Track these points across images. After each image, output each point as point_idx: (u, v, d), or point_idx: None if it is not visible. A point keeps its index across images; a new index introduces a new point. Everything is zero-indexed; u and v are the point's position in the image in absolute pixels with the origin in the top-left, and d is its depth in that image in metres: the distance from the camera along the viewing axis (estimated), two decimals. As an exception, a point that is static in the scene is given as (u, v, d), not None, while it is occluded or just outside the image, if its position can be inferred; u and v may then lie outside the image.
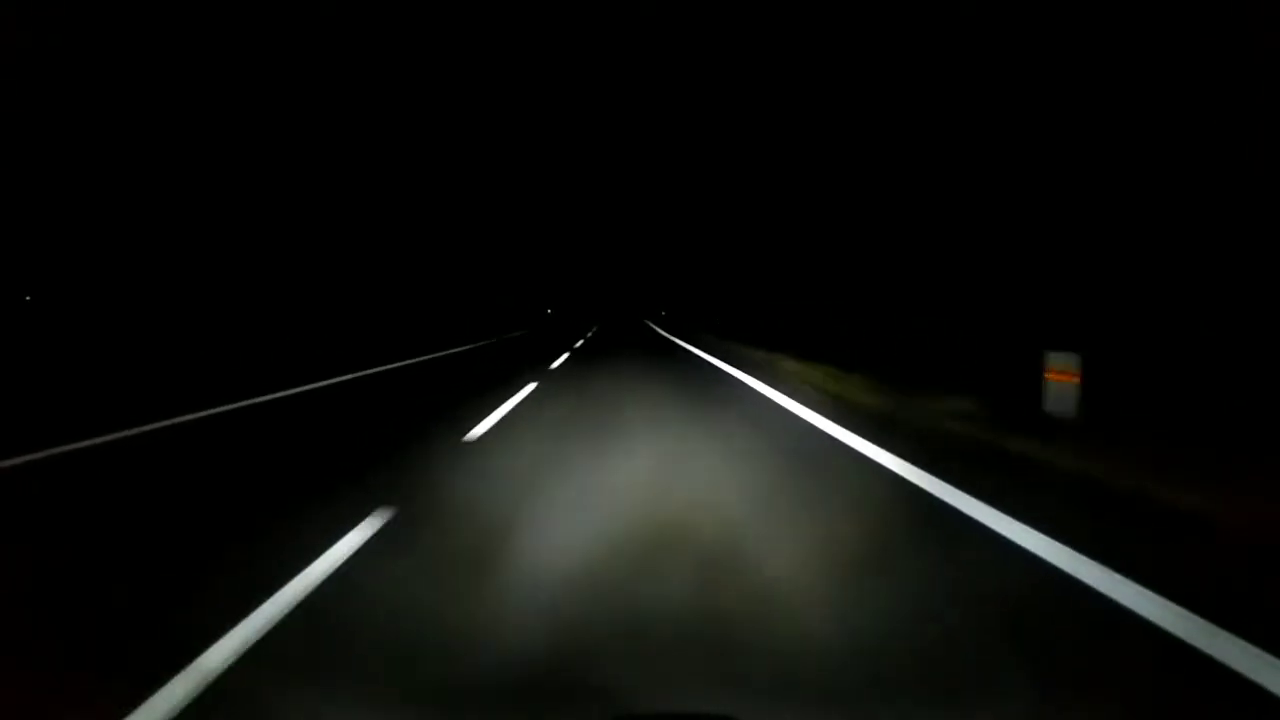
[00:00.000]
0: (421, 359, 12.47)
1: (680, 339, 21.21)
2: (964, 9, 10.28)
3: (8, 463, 4.17)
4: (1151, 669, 1.91)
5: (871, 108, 14.13)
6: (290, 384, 7.99)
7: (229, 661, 1.88)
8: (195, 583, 2.45)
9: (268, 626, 2.08)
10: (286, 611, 2.18)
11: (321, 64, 27.58)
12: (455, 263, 44.70)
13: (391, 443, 5.00)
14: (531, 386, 8.24)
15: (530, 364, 11.68)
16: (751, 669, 1.87)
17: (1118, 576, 2.39)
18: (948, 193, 11.54)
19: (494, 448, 4.79)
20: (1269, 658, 1.87)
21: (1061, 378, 5.16)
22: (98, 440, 4.78)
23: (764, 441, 5.08)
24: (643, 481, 3.87)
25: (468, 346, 16.55)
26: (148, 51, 23.32)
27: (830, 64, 15.91)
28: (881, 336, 11.59)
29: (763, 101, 21.75)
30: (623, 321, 47.50)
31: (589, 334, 25.45)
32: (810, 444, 4.96)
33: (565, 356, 13.62)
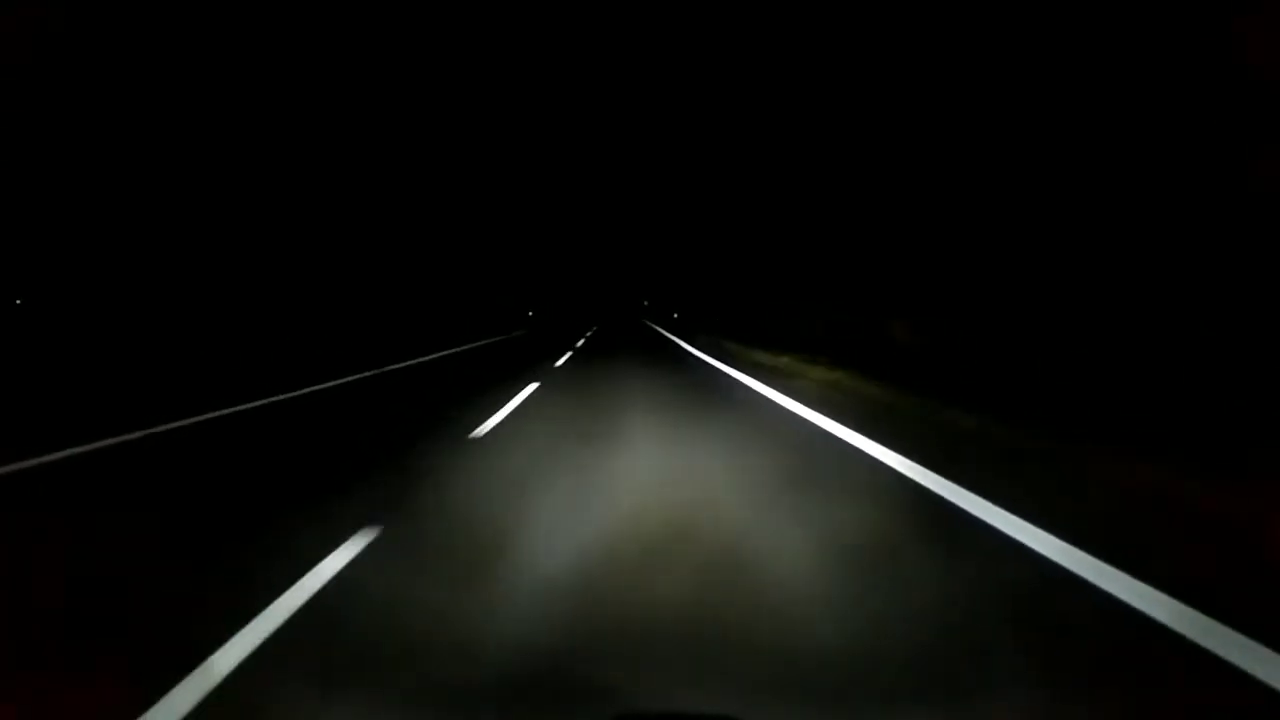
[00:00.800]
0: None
1: (718, 359, 13.18)
2: (963, 9, 10.23)
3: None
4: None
5: (876, 104, 13.83)
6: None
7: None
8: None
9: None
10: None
11: (319, 62, 27.93)
12: (433, 259, 42.37)
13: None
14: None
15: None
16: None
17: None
18: (949, 191, 11.13)
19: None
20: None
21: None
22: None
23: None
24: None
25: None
26: (143, 49, 23.33)
27: (833, 60, 15.44)
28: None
29: (768, 93, 20.41)
30: (625, 327, 37.26)
31: (565, 356, 14.94)
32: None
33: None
